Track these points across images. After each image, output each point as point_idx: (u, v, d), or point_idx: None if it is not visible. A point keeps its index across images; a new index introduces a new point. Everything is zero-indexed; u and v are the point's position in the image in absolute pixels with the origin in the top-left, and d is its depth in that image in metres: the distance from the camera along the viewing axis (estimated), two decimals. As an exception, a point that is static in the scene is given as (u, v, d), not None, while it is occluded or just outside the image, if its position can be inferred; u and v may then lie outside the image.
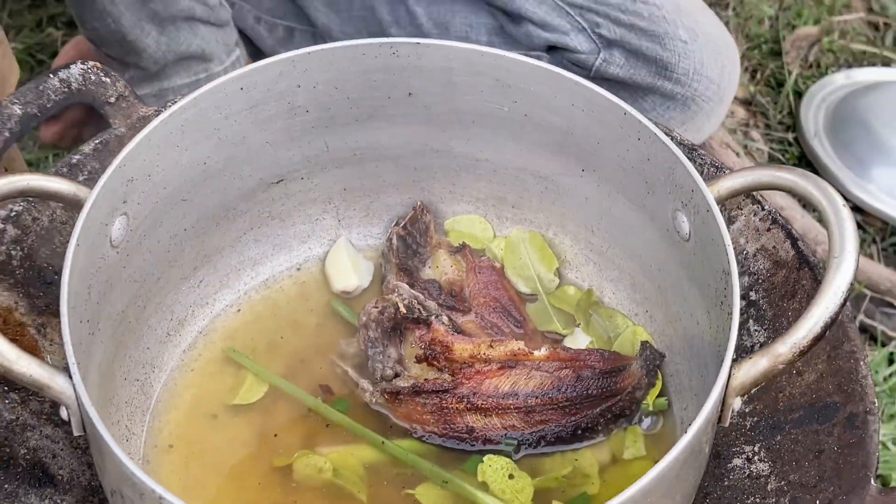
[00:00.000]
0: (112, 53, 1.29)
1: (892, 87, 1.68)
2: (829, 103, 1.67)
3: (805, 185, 0.67)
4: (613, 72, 1.30)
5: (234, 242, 0.84)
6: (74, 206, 0.68)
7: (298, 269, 0.88)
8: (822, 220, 0.66)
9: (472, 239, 0.87)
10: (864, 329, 1.37)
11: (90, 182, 0.71)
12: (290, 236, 0.87)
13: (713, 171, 0.82)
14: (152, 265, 0.77)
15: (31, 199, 0.77)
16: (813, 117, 1.64)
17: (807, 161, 1.59)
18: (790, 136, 1.64)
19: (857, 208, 1.52)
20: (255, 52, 1.49)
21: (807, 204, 1.48)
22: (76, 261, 0.64)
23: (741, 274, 0.80)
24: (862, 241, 1.49)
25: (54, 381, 0.60)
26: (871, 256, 1.46)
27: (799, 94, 1.68)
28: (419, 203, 0.87)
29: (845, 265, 0.62)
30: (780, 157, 1.61)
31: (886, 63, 1.77)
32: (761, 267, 0.80)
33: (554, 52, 1.34)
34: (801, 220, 1.44)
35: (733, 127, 1.64)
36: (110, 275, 0.71)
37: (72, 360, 0.60)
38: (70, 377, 0.60)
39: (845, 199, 1.57)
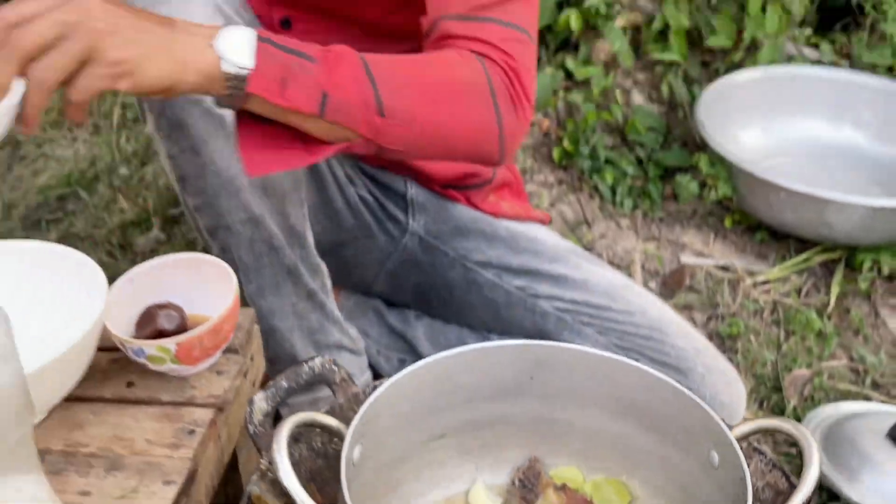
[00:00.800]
0: (282, 370, 1.74)
1: (872, 416, 2.09)
2: (823, 427, 2.07)
3: (788, 427, 1.09)
4: None
5: (409, 477, 1.23)
6: (336, 435, 1.09)
7: (447, 501, 1.27)
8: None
9: (570, 481, 1.26)
10: None
11: (331, 428, 1.13)
12: (443, 476, 1.26)
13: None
14: (364, 485, 1.16)
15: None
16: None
17: (808, 471, 1.97)
18: (794, 450, 2.03)
19: (850, 506, 1.89)
20: (376, 374, 1.94)
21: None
22: (348, 472, 1.05)
23: (754, 501, 1.18)
24: (856, 532, 1.84)
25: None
26: (864, 542, 1.81)
27: (798, 420, 2.09)
28: (533, 456, 1.27)
29: (812, 466, 1.03)
30: (787, 465, 1.99)
31: (867, 398, 2.19)
32: (767, 496, 1.19)
33: None
34: None
35: (747, 443, 2.03)
36: (348, 486, 1.11)
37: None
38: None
39: (839, 496, 1.93)
